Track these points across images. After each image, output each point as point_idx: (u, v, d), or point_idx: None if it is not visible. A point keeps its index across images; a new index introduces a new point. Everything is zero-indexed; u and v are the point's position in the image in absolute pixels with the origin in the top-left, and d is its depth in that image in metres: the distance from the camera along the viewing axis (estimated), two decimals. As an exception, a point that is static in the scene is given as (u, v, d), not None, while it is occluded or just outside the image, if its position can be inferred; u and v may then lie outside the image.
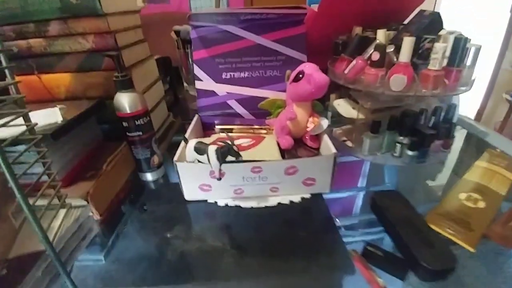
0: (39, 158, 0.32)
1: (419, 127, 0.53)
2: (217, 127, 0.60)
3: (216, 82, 0.60)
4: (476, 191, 0.44)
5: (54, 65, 0.53)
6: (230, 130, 0.60)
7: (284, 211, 0.44)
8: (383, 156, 0.56)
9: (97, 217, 0.44)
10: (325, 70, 0.49)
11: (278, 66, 0.60)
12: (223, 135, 0.56)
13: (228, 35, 0.59)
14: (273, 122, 0.56)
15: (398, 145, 0.54)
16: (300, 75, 0.46)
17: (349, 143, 0.60)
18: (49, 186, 0.35)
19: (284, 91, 0.59)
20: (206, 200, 0.47)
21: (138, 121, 0.47)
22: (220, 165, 0.40)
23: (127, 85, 0.46)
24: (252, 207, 0.45)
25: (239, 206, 0.45)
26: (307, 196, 0.46)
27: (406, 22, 0.58)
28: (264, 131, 0.59)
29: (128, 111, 0.46)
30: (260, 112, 0.61)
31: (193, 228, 0.42)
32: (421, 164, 0.54)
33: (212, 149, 0.39)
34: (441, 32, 0.50)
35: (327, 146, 0.46)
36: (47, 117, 0.43)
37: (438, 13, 0.51)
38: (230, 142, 0.39)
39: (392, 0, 0.59)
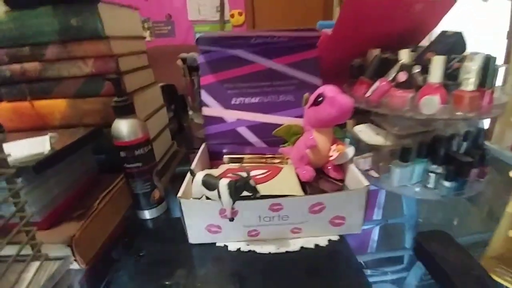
0: (8, 197, 0.26)
1: (453, 154, 0.47)
2: (226, 156, 0.54)
3: (225, 108, 0.56)
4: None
5: (49, 91, 0.49)
6: (240, 160, 0.54)
7: (308, 257, 0.37)
8: (414, 188, 0.49)
9: (82, 266, 0.36)
10: None
11: (291, 91, 0.56)
12: (234, 165, 0.50)
13: (238, 60, 0.55)
14: (288, 151, 0.50)
15: (432, 175, 0.47)
16: (320, 98, 0.41)
17: (373, 173, 0.54)
18: (22, 231, 0.28)
19: (299, 116, 0.54)
20: (214, 243, 0.39)
21: (138, 150, 0.42)
22: (234, 202, 0.33)
23: (127, 110, 0.41)
24: (269, 253, 0.37)
25: (254, 252, 0.38)
26: (335, 238, 0.39)
27: (425, 43, 0.55)
28: (278, 161, 0.53)
29: (127, 140, 0.41)
30: (273, 140, 0.55)
31: (198, 276, 0.35)
32: (460, 197, 0.48)
33: (224, 183, 0.33)
34: (466, 53, 0.46)
35: (356, 178, 0.40)
36: (34, 146, 0.37)
37: (461, 33, 0.47)
38: (245, 175, 0.32)
39: (407, 23, 0.56)
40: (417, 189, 0.49)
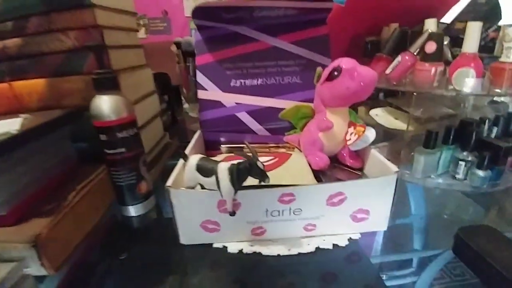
0: None
1: (487, 139, 0.41)
2: (223, 146, 0.48)
3: (223, 91, 0.49)
4: None
5: (28, 70, 0.42)
6: (240, 150, 0.47)
7: (325, 260, 0.30)
8: (440, 179, 0.43)
9: (50, 271, 0.29)
10: None
11: (298, 72, 0.50)
12: (231, 155, 0.44)
13: (238, 37, 0.49)
14: (294, 139, 0.44)
15: (462, 164, 0.41)
16: (336, 73, 0.35)
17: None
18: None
19: (306, 101, 0.47)
20: (211, 245, 0.33)
21: (122, 133, 0.35)
22: (236, 191, 0.27)
23: (109, 85, 0.35)
24: (278, 255, 0.31)
25: (260, 254, 0.31)
26: (357, 236, 0.33)
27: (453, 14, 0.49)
28: (283, 150, 0.47)
29: (108, 119, 0.34)
30: (277, 127, 0.49)
31: (191, 284, 0.28)
32: (495, 188, 0.41)
33: (223, 168, 0.26)
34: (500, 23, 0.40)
35: (380, 164, 0.33)
36: (3, 127, 0.31)
37: (497, 0, 0.42)
38: (252, 156, 0.26)
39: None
40: (442, 180, 0.42)
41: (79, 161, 0.43)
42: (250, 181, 0.27)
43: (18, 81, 0.42)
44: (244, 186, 0.28)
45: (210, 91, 0.49)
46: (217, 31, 0.49)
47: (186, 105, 0.91)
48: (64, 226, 0.32)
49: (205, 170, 0.28)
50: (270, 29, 0.49)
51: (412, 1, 0.48)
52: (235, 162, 0.27)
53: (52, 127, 0.36)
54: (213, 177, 0.27)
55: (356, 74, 0.32)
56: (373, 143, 0.51)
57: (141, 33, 1.96)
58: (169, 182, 0.30)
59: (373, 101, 0.52)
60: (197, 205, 0.30)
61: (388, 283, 0.29)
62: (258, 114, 0.49)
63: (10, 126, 0.32)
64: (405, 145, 0.43)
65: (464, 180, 0.41)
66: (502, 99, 0.55)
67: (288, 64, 0.50)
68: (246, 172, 0.26)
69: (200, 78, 0.49)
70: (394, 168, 0.30)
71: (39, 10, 0.39)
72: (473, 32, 0.35)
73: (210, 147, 0.49)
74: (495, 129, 0.44)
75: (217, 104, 0.49)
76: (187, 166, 0.29)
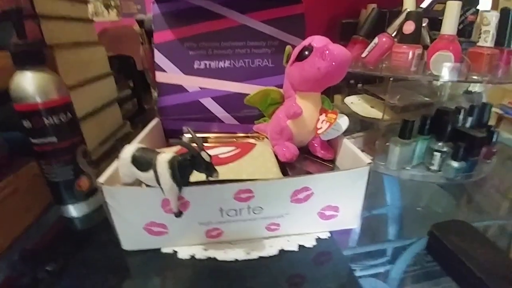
0: None
1: (463, 129, 0.39)
2: (186, 135, 0.43)
3: (185, 74, 0.44)
4: None
5: None
6: (205, 140, 0.43)
7: (289, 264, 0.27)
8: (415, 170, 0.40)
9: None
10: None
11: (270, 54, 0.45)
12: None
13: (203, 12, 0.43)
14: (264, 128, 0.40)
15: (437, 155, 0.39)
16: (307, 51, 0.31)
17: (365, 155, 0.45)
18: None
19: (279, 86, 0.43)
20: (159, 249, 0.28)
21: (51, 118, 0.29)
22: (180, 188, 0.22)
23: (33, 59, 0.28)
24: (236, 260, 0.27)
25: (215, 259, 0.27)
26: (325, 235, 0.29)
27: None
28: (253, 141, 0.42)
29: (32, 101, 0.28)
30: (246, 115, 0.44)
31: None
32: (468, 180, 0.40)
33: (163, 161, 0.21)
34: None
35: (352, 155, 0.30)
36: None
37: None
38: (197, 145, 0.21)
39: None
40: (417, 172, 0.40)
41: (12, 154, 0.37)
42: (202, 175, 0.23)
43: None
44: (192, 182, 0.23)
45: (170, 74, 0.44)
46: (179, 5, 0.43)
47: (156, 93, 0.84)
48: (-23, 232, 0.27)
49: (142, 163, 0.23)
50: (239, 5, 0.44)
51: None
52: (178, 151, 0.22)
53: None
54: (151, 172, 0.22)
55: (328, 53, 0.28)
56: (348, 133, 0.47)
57: (113, 16, 1.82)
58: (101, 179, 0.24)
59: (350, 89, 0.48)
60: (138, 205, 0.25)
61: (363, 273, 0.26)
62: (225, 100, 0.44)
63: None
64: (380, 134, 0.40)
65: (438, 172, 0.39)
66: (477, 89, 0.54)
67: (259, 45, 0.45)
68: (189, 166, 0.21)
69: (159, 58, 0.43)
70: (366, 159, 0.27)
71: None
72: (452, 12, 0.32)
73: (170, 137, 0.44)
74: (469, 119, 0.43)
75: (179, 88, 0.44)
76: (121, 159, 0.24)
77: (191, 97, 0.44)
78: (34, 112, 0.28)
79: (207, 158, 0.21)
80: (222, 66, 0.44)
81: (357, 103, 0.42)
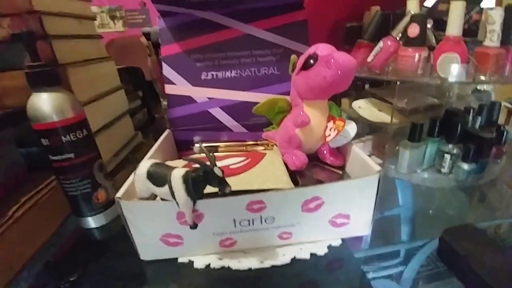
0: None
1: (472, 130, 0.38)
2: (196, 145, 0.44)
3: (193, 85, 0.45)
4: None
5: None
6: (215, 149, 0.43)
7: (302, 272, 0.27)
8: (426, 173, 0.40)
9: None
10: None
11: (275, 62, 0.46)
12: (203, 155, 0.40)
13: (208, 24, 0.44)
14: (273, 135, 0.40)
15: (447, 157, 0.39)
16: (312, 60, 0.31)
17: (375, 159, 0.45)
18: None
19: (284, 93, 0.44)
20: (175, 259, 0.29)
21: (67, 136, 0.30)
22: (194, 202, 0.23)
23: (48, 79, 0.30)
24: (250, 269, 0.27)
25: (229, 268, 0.27)
26: (337, 242, 0.29)
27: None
28: (262, 148, 0.43)
29: (50, 121, 0.29)
30: (254, 123, 0.45)
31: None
32: (479, 181, 0.39)
33: (177, 176, 0.22)
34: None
35: (362, 162, 0.30)
36: None
37: None
38: (209, 161, 0.22)
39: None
40: (427, 175, 0.40)
41: (29, 169, 0.38)
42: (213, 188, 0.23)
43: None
44: (206, 194, 0.24)
45: (178, 86, 0.45)
46: (183, 18, 0.44)
47: (165, 102, 0.86)
48: (3, 247, 0.28)
49: (157, 178, 0.24)
50: (242, 15, 0.45)
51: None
52: (191, 165, 0.23)
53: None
54: (166, 187, 0.23)
55: (333, 61, 0.29)
56: (357, 136, 0.47)
57: (119, 26, 1.86)
58: (119, 193, 0.25)
59: (357, 92, 0.48)
60: (154, 218, 0.26)
61: (376, 274, 0.27)
62: (233, 109, 0.45)
63: None
64: (389, 138, 0.40)
65: (449, 174, 0.39)
66: (485, 87, 0.53)
67: (264, 53, 0.45)
68: (202, 181, 0.22)
69: (167, 71, 0.44)
70: (376, 167, 0.27)
71: None
72: (457, 13, 0.32)
73: (182, 148, 0.45)
74: (478, 119, 0.42)
75: (187, 99, 0.45)
76: (137, 175, 0.25)
77: (200, 108, 0.45)
78: (51, 130, 0.30)
79: (219, 174, 0.21)
80: (229, 75, 0.45)
81: (364, 107, 0.42)
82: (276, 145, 0.40)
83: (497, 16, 0.33)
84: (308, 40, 0.45)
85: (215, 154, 0.42)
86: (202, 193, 0.23)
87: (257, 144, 0.44)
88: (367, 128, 0.48)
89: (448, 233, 0.28)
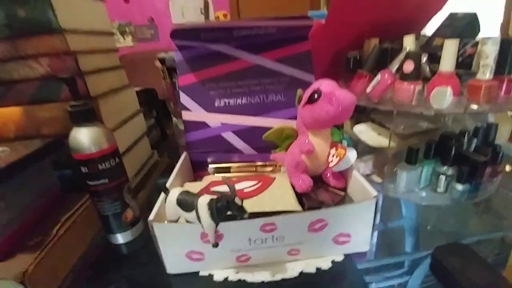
0: None
1: (466, 153, 0.42)
2: (211, 166, 0.48)
3: (208, 112, 0.49)
4: None
5: (1, 97, 0.41)
6: (227, 169, 0.48)
7: (309, 284, 0.31)
8: (423, 193, 0.44)
9: (35, 311, 0.29)
10: None
11: (282, 90, 0.50)
12: (218, 177, 0.44)
13: (220, 56, 0.49)
14: (280, 157, 0.44)
15: (442, 178, 0.42)
16: (316, 95, 0.36)
17: (376, 178, 0.48)
18: None
19: (291, 118, 0.48)
20: (197, 273, 0.33)
21: (103, 164, 0.35)
22: (217, 225, 0.27)
23: (87, 116, 0.35)
24: (263, 282, 0.31)
25: (245, 281, 0.31)
26: (340, 258, 0.33)
27: (429, 26, 0.50)
28: (270, 169, 0.47)
29: (88, 152, 0.34)
30: (263, 146, 0.49)
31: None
32: (474, 200, 0.43)
33: (203, 204, 0.26)
34: (478, 38, 0.41)
35: (361, 186, 0.34)
36: None
37: (475, 14, 0.42)
38: (229, 191, 0.26)
39: (407, 8, 0.51)
40: (424, 194, 0.43)
41: (63, 189, 0.43)
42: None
43: (-7, 110, 0.41)
44: (226, 217, 0.28)
45: (194, 112, 0.49)
46: (198, 51, 0.49)
47: (175, 119, 0.91)
48: (50, 261, 0.32)
49: (185, 204, 0.28)
50: (252, 47, 0.49)
51: (392, 15, 0.49)
52: (215, 193, 0.27)
53: (33, 160, 0.36)
54: (194, 212, 0.27)
55: (335, 99, 0.33)
56: (359, 155, 0.52)
57: (128, 41, 1.95)
58: (151, 216, 0.30)
59: (359, 115, 0.52)
60: (181, 237, 0.30)
61: (381, 284, 0.30)
62: (244, 133, 0.49)
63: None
64: (388, 161, 0.44)
65: (445, 193, 0.42)
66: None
67: (271, 82, 0.50)
68: (225, 209, 0.26)
69: (184, 99, 0.49)
70: (373, 192, 0.31)
71: (3, 35, 0.38)
72: (450, 51, 0.36)
73: (197, 168, 0.50)
74: (474, 141, 0.46)
75: (202, 125, 0.49)
76: (168, 201, 0.29)
77: (213, 132, 0.49)
78: (90, 160, 0.34)
79: (239, 203, 0.26)
80: (240, 103, 0.49)
81: (365, 131, 0.46)
82: (283, 165, 0.44)
83: (490, 52, 0.36)
84: (312, 69, 0.50)
85: (228, 174, 0.46)
86: (223, 218, 0.27)
87: (266, 165, 0.48)
88: (367, 148, 0.52)
89: (439, 251, 0.31)
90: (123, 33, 1.85)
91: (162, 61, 0.70)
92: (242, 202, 0.26)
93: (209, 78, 0.49)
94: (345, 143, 0.54)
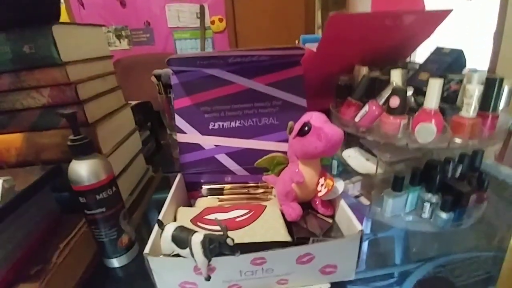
0: None
1: (450, 182, 0.44)
2: (204, 187, 0.49)
3: (202, 134, 0.51)
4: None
5: (4, 125, 0.43)
6: (220, 190, 0.49)
7: (297, 311, 0.33)
8: (408, 217, 0.46)
9: None
10: (326, 113, 0.41)
11: (274, 113, 0.51)
12: (212, 201, 0.45)
13: (215, 80, 0.50)
14: (271, 180, 0.46)
15: (427, 205, 0.44)
16: (306, 128, 0.37)
17: (363, 200, 0.50)
18: None
19: (283, 141, 0.50)
20: (190, 300, 0.34)
21: (101, 195, 0.36)
22: (209, 262, 0.29)
23: (85, 150, 0.36)
24: (253, 310, 0.33)
25: (236, 310, 0.33)
26: (326, 286, 0.35)
27: (414, 57, 0.52)
28: (262, 191, 0.49)
29: (87, 183, 0.35)
30: (255, 167, 0.51)
31: None
32: (459, 228, 0.45)
33: (196, 241, 0.28)
34: (464, 71, 0.43)
35: (347, 217, 0.36)
36: None
37: (461, 51, 0.44)
38: (222, 232, 0.28)
39: (396, 35, 0.53)
40: (411, 218, 0.45)
41: (62, 211, 0.44)
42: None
43: (-5, 137, 0.43)
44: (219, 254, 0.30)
45: (189, 134, 0.51)
46: (193, 75, 0.50)
47: (169, 132, 0.91)
48: (52, 286, 0.34)
49: (180, 241, 0.29)
50: (246, 72, 0.51)
51: (381, 45, 0.51)
52: (207, 230, 0.29)
53: (36, 189, 0.37)
54: (188, 249, 0.29)
55: (323, 135, 0.35)
56: (348, 176, 0.54)
57: (124, 45, 1.95)
58: (146, 250, 0.31)
59: (349, 138, 0.54)
60: (175, 269, 0.32)
61: None
62: (237, 155, 0.51)
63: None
64: (374, 187, 0.46)
65: (430, 219, 0.44)
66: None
67: (264, 105, 0.51)
68: (217, 248, 0.27)
69: (179, 122, 0.50)
70: (358, 227, 0.33)
71: (9, 68, 0.39)
72: (434, 90, 0.37)
73: (191, 188, 0.51)
74: (460, 168, 0.47)
75: (197, 147, 0.51)
76: (163, 237, 0.31)
77: (207, 154, 0.51)
78: (88, 191, 0.36)
79: (230, 243, 0.27)
80: (234, 125, 0.51)
81: (353, 156, 0.48)
82: (274, 187, 0.46)
83: (474, 91, 0.37)
84: (304, 93, 0.51)
85: (220, 196, 0.48)
86: (215, 255, 0.29)
87: (258, 187, 0.50)
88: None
89: (420, 284, 0.33)
90: (119, 37, 1.84)
91: (158, 77, 0.71)
92: (234, 241, 0.28)
93: (204, 102, 0.51)
94: (335, 163, 0.56)
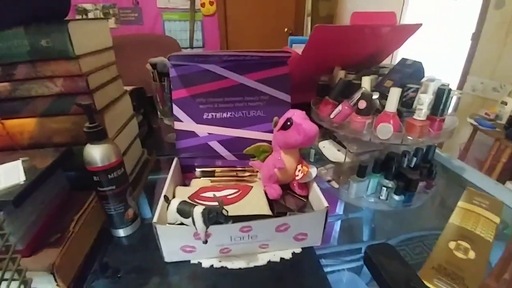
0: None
1: (404, 171, 0.54)
2: (198, 170, 0.56)
3: (197, 123, 0.57)
4: (465, 239, 0.44)
5: (19, 110, 0.47)
6: (212, 173, 0.56)
7: (274, 270, 0.41)
8: (369, 199, 0.55)
9: (63, 291, 0.38)
10: (307, 107, 0.48)
11: (262, 106, 0.58)
12: (206, 181, 0.53)
13: (210, 74, 0.56)
14: (257, 165, 0.54)
15: (384, 189, 0.54)
16: (289, 123, 0.45)
17: (334, 184, 0.59)
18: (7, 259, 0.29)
19: (268, 131, 0.57)
20: (189, 261, 0.42)
21: (112, 174, 0.43)
22: (207, 228, 0.36)
23: (99, 136, 0.41)
24: (240, 268, 0.41)
25: (226, 267, 0.41)
26: (298, 250, 0.44)
27: (383, 64, 0.60)
28: (248, 174, 0.57)
29: (100, 165, 0.41)
30: (243, 154, 0.58)
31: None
32: (408, 208, 0.55)
33: (198, 212, 0.35)
34: (423, 80, 0.52)
35: (317, 197, 0.44)
36: (8, 175, 0.37)
37: (421, 63, 0.53)
38: (219, 204, 0.35)
39: (372, 44, 0.61)
40: (372, 200, 0.55)
41: (71, 189, 0.50)
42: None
43: (10, 120, 0.47)
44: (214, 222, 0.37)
45: (185, 123, 0.57)
46: (191, 69, 0.56)
47: (161, 117, 0.96)
48: (70, 252, 0.40)
49: (183, 212, 0.37)
50: (238, 68, 0.57)
51: (358, 50, 0.59)
52: (206, 200, 0.36)
53: (53, 170, 0.42)
54: (190, 218, 0.36)
55: (302, 130, 0.42)
56: (323, 164, 0.62)
57: (111, 23, 1.90)
58: (155, 219, 0.38)
59: (324, 131, 0.62)
60: (177, 235, 0.39)
61: (342, 266, 0.42)
62: (227, 142, 0.58)
63: (14, 174, 0.38)
64: (343, 173, 0.55)
65: (386, 201, 0.54)
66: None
67: (253, 99, 0.58)
68: (214, 218, 0.35)
69: (177, 111, 0.56)
70: (325, 203, 0.41)
71: (26, 59, 0.43)
72: (393, 97, 0.46)
73: (186, 170, 0.58)
74: (414, 159, 0.57)
75: (192, 134, 0.57)
76: (169, 209, 0.38)
77: (201, 141, 0.57)
78: (101, 171, 0.42)
79: (226, 213, 0.35)
80: (225, 116, 0.58)
81: (327, 147, 0.57)
82: (259, 172, 0.54)
83: (425, 99, 0.46)
84: (289, 89, 0.59)
85: (212, 178, 0.55)
86: (213, 223, 0.36)
87: (245, 170, 0.57)
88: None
89: (369, 249, 0.43)
90: (106, 15, 1.80)
91: (154, 65, 0.76)
92: (228, 212, 0.35)
93: (199, 94, 0.57)
94: (312, 152, 0.64)
